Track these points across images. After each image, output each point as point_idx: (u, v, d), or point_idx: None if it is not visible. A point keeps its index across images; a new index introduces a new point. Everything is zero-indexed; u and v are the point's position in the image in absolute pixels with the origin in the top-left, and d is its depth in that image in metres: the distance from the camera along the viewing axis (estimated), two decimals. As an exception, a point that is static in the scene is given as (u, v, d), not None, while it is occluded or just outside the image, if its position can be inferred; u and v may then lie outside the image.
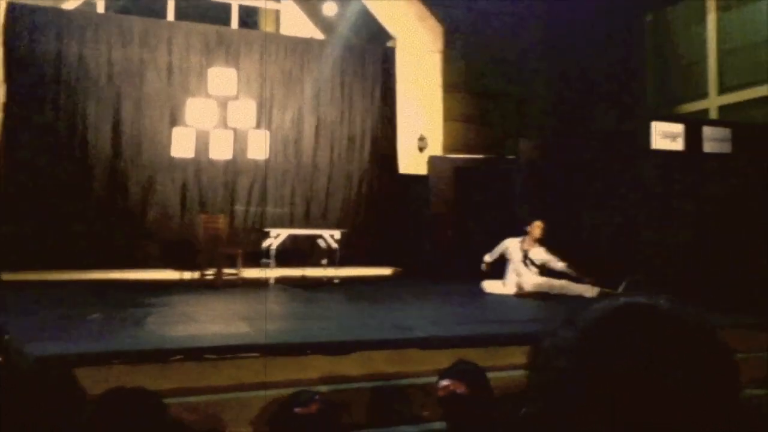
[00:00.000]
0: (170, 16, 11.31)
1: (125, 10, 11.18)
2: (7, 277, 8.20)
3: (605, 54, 11.55)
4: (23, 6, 9.72)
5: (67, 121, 9.79)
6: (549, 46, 12.03)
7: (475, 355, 4.71)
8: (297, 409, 2.43)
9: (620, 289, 8.16)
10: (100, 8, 11.14)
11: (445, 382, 2.59)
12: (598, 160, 8.97)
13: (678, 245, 8.19)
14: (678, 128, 8.42)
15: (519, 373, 4.65)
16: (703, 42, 12.71)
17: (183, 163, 10.22)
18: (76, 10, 10.68)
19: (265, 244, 9.18)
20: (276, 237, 9.11)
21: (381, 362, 4.65)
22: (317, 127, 11.07)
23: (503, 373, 4.44)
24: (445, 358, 4.78)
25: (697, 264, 7.81)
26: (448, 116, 11.56)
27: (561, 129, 11.28)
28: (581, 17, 11.30)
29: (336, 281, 9.17)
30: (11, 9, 9.52)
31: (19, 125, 9.50)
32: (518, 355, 4.94)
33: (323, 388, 4.01)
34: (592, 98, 11.69)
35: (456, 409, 2.53)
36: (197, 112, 10.35)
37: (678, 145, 8.35)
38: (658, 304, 0.61)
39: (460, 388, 2.50)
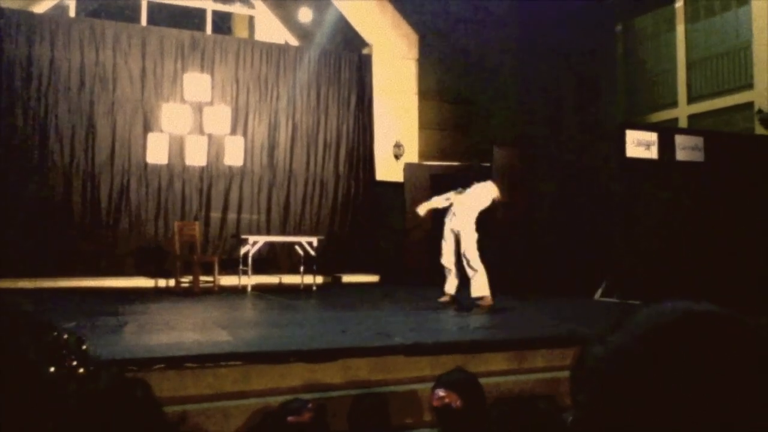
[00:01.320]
0: (143, 20, 11.20)
1: (97, 14, 11.04)
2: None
3: (576, 62, 11.73)
4: (-8, 9, 9.53)
5: (37, 126, 9.62)
6: (521, 54, 12.16)
7: (458, 362, 4.73)
8: (290, 418, 2.40)
9: (598, 294, 8.27)
10: (72, 12, 10.98)
11: (441, 393, 2.59)
12: (571, 167, 9.09)
13: (651, 251, 8.32)
14: (651, 137, 8.56)
15: (499, 379, 4.69)
16: (672, 52, 12.97)
17: (157, 169, 10.11)
18: (47, 14, 10.51)
19: (242, 251, 9.11)
20: (253, 244, 9.04)
21: (363, 369, 4.63)
22: (293, 134, 11.03)
23: (485, 380, 4.45)
24: (427, 365, 4.80)
25: (668, 269, 7.94)
26: (424, 123, 11.61)
27: (534, 136, 11.39)
28: (552, 26, 11.45)
29: (314, 288, 9.13)
30: (-20, 12, 9.33)
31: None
32: (498, 361, 4.98)
33: (306, 396, 3.98)
34: (564, 106, 11.85)
35: (451, 419, 2.53)
36: (172, 117, 10.25)
37: (652, 153, 8.48)
38: (722, 311, 0.61)
39: (456, 402, 2.50)
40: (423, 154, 11.48)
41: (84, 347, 0.50)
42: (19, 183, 9.39)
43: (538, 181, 9.33)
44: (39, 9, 10.61)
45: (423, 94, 11.67)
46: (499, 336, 5.40)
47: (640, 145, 8.39)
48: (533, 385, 4.58)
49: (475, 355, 4.89)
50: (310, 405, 2.55)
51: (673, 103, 12.80)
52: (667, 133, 9.01)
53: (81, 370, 0.49)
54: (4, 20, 9.57)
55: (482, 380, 3.98)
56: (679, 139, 8.75)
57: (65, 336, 0.52)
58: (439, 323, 6.21)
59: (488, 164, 9.39)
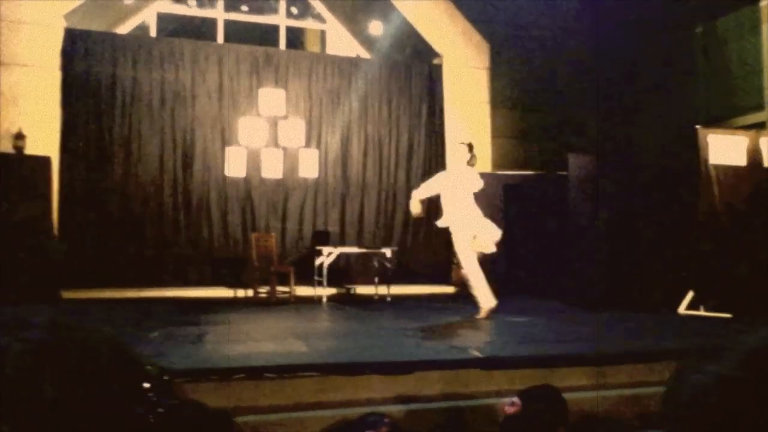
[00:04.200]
0: (220, 38, 11.54)
1: (176, 33, 11.46)
2: (67, 295, 8.40)
3: (653, 66, 11.37)
4: (80, 32, 10.03)
5: (121, 142, 10.04)
6: (595, 59, 11.89)
7: (535, 376, 4.63)
8: (367, 432, 2.40)
9: (683, 306, 7.93)
10: (153, 32, 11.44)
11: (513, 401, 2.54)
12: (650, 173, 8.78)
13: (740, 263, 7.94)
14: (738, 141, 8.19)
15: (579, 395, 4.55)
16: (757, 54, 12.40)
17: (236, 182, 10.39)
18: (130, 35, 11.00)
19: (317, 262, 9.22)
20: (327, 255, 9.15)
21: (438, 383, 4.59)
22: (365, 145, 11.14)
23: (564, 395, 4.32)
24: (504, 379, 4.71)
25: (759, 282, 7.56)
26: (496, 132, 11.50)
27: (611, 142, 11.09)
28: (627, 30, 11.14)
29: (388, 299, 9.15)
30: (68, 35, 9.83)
31: (76, 147, 9.77)
32: (577, 376, 4.84)
33: (381, 409, 3.97)
34: (641, 111, 11.49)
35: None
36: (248, 131, 10.52)
37: (739, 159, 8.12)
38: None
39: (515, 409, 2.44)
40: (496, 164, 11.36)
41: (166, 378, 0.51)
42: (104, 198, 9.83)
43: (615, 187, 9.04)
44: (122, 30, 11.11)
45: (495, 103, 11.57)
46: (578, 350, 5.25)
47: (725, 150, 8.04)
48: (616, 402, 4.42)
49: (553, 369, 4.77)
50: (387, 419, 2.54)
51: (759, 107, 12.22)
52: (754, 138, 8.61)
53: (162, 408, 0.49)
54: (91, 42, 10.05)
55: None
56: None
57: (149, 368, 0.53)
58: (515, 336, 6.10)
59: (564, 172, 9.20)
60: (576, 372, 4.81)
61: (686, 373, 0.64)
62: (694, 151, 8.42)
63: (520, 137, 11.70)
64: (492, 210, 10.17)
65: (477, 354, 4.90)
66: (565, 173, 9.22)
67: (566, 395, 4.00)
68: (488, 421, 4.25)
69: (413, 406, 4.25)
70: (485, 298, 6.95)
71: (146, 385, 0.49)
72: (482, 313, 6.95)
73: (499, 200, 10.11)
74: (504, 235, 8.74)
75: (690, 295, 8.03)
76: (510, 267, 9.72)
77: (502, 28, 11.72)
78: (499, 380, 4.67)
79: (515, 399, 2.61)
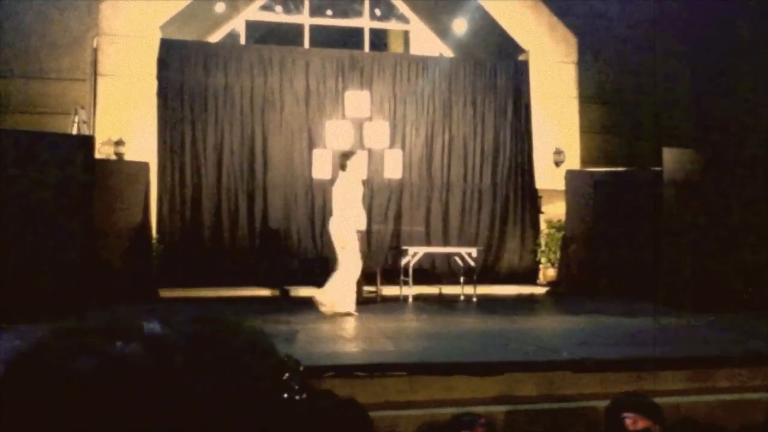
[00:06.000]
0: (306, 43, 11.78)
1: (264, 40, 11.78)
2: (165, 294, 8.78)
3: (759, 55, 10.75)
4: (174, 41, 10.48)
5: (214, 147, 10.42)
6: (687, 50, 11.40)
7: (630, 379, 4.50)
8: (462, 432, 2.40)
9: None
10: (242, 39, 11.80)
11: (633, 417, 2.46)
12: (758, 169, 8.31)
13: None
14: None
15: (676, 399, 4.37)
16: None
17: (322, 184, 10.56)
18: (221, 43, 11.41)
19: (402, 262, 9.27)
20: (413, 255, 9.18)
21: (528, 384, 4.53)
22: (450, 145, 11.11)
23: (660, 400, 4.18)
24: (596, 382, 4.59)
25: None
26: (585, 128, 11.22)
27: (710, 136, 10.61)
28: (729, 19, 10.61)
29: (474, 299, 9.09)
30: (164, 45, 10.28)
31: (172, 152, 10.22)
32: (675, 380, 4.65)
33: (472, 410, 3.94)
34: (747, 104, 10.90)
35: None
36: (334, 134, 10.68)
37: None
38: None
39: (654, 429, 2.37)
40: (585, 160, 11.09)
41: (301, 369, 0.53)
42: (198, 200, 10.24)
43: (716, 185, 8.58)
44: (214, 38, 11.53)
45: (583, 98, 11.28)
46: (675, 353, 5.05)
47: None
48: (716, 408, 4.23)
49: (646, 372, 4.61)
50: (482, 419, 2.53)
51: None
52: None
53: (303, 395, 0.51)
54: (185, 51, 10.48)
55: (658, 401, 3.75)
56: None
57: (285, 359, 0.55)
58: (607, 337, 5.93)
59: (658, 168, 8.85)
60: (671, 375, 4.64)
61: None
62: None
63: (609, 132, 11.37)
64: (582, 207, 9.94)
65: (568, 356, 4.80)
66: (658, 169, 8.86)
67: (660, 400, 3.87)
68: (583, 425, 4.15)
69: (503, 408, 4.21)
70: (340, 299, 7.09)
71: (286, 374, 0.52)
72: (325, 309, 7.05)
73: (589, 197, 9.84)
74: (595, 234, 8.50)
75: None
76: (600, 266, 9.45)
77: (590, 19, 11.43)
78: (590, 383, 4.55)
79: (630, 414, 2.52)
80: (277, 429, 0.47)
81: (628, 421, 2.50)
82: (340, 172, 7.66)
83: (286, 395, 0.49)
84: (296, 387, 0.50)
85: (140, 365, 0.44)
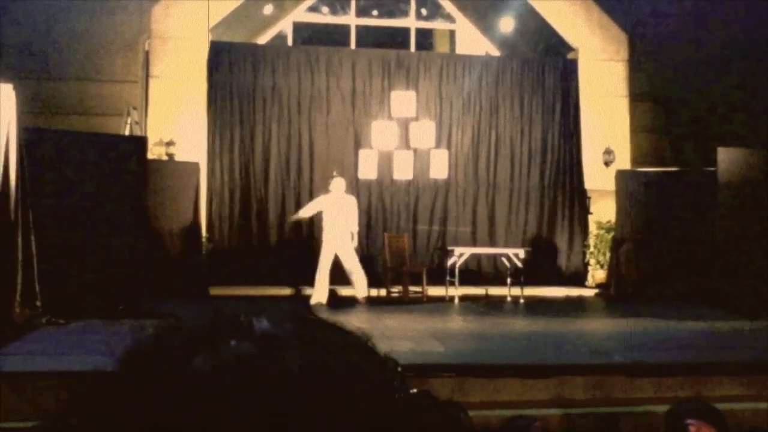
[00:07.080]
0: (352, 43, 11.81)
1: (310, 41, 11.87)
2: (214, 291, 8.91)
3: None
4: (223, 43, 10.65)
5: (262, 147, 10.54)
6: (750, 47, 11.05)
7: (685, 384, 4.39)
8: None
9: None
10: (289, 41, 11.90)
11: (696, 424, 2.40)
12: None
13: None
14: None
15: (734, 406, 4.24)
16: None
17: (368, 184, 10.59)
18: (268, 44, 11.54)
19: (448, 262, 9.23)
20: (459, 256, 9.13)
21: (579, 388, 4.45)
22: (496, 145, 11.01)
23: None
24: (650, 387, 4.49)
25: None
26: (636, 127, 10.99)
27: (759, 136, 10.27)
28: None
29: (521, 300, 8.99)
30: (213, 47, 10.44)
31: (221, 151, 10.38)
32: (733, 386, 4.52)
33: (522, 413, 3.89)
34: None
35: None
36: (380, 134, 10.69)
37: None
38: None
39: None
40: (636, 160, 10.86)
41: (399, 369, 0.52)
42: (247, 200, 10.38)
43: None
44: (262, 40, 11.66)
45: (634, 97, 11.05)
46: (732, 358, 4.91)
47: None
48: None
49: (704, 377, 4.49)
50: (537, 422, 2.49)
51: None
52: None
53: (404, 393, 0.50)
54: (234, 53, 10.63)
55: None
56: None
57: (386, 359, 0.54)
58: (661, 341, 5.79)
59: (712, 168, 8.62)
60: (730, 381, 4.51)
61: None
62: None
63: (662, 132, 11.12)
64: (632, 208, 9.73)
65: (621, 359, 4.71)
66: (712, 169, 8.63)
67: (720, 406, 3.76)
68: (642, 430, 4.06)
69: (554, 411, 4.15)
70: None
71: (391, 373, 0.51)
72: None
73: (640, 198, 9.62)
74: (646, 235, 8.31)
75: None
76: (652, 268, 9.24)
77: (642, 17, 11.19)
78: (644, 387, 4.46)
79: (693, 420, 2.46)
80: (392, 429, 0.45)
81: (691, 428, 2.43)
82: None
83: (396, 395, 0.47)
84: (401, 386, 0.49)
85: (257, 365, 0.43)
